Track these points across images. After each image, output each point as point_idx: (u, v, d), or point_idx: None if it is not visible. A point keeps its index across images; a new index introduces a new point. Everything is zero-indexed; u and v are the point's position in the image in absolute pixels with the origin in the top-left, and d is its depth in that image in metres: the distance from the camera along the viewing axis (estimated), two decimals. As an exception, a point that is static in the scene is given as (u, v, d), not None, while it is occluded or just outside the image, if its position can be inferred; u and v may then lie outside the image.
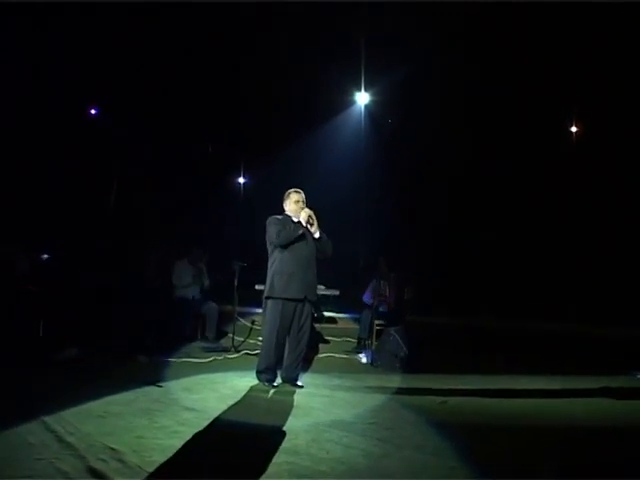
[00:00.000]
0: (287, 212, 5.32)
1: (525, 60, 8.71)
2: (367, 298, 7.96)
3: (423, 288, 9.19)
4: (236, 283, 7.15)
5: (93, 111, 10.59)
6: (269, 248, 5.20)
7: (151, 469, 2.99)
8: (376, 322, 7.38)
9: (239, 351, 6.87)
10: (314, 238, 5.22)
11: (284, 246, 5.08)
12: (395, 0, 7.57)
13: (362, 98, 10.30)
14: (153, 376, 5.12)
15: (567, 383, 5.81)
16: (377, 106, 10.31)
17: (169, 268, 7.77)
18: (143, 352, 6.01)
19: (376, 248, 9.43)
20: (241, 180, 14.05)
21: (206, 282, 7.82)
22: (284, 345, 5.13)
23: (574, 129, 11.08)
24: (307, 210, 5.18)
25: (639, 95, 8.99)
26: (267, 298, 5.11)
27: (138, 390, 4.60)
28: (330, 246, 5.32)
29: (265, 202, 6.56)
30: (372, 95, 10.16)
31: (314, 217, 5.18)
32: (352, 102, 10.43)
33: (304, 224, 5.14)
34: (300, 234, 5.09)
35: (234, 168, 13.29)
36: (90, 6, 7.23)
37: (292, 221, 5.19)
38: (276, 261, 5.11)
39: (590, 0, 7.18)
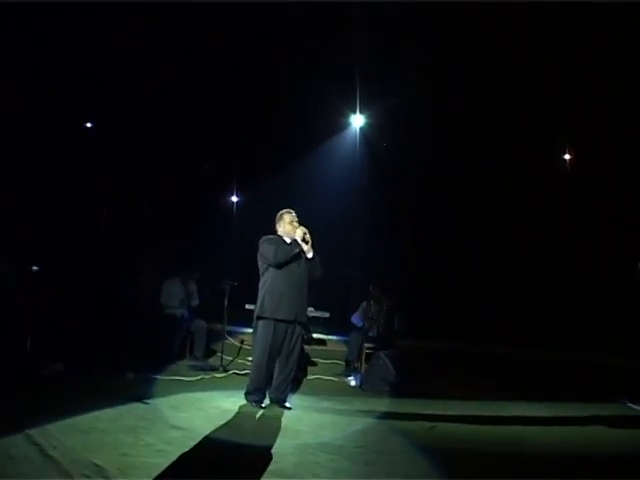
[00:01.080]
0: (280, 233, 5.32)
1: (519, 85, 8.77)
2: (356, 320, 7.95)
3: (414, 311, 9.18)
4: (226, 302, 7.13)
5: (89, 124, 10.59)
6: (261, 268, 5.19)
7: (136, 488, 2.97)
8: (366, 345, 7.37)
9: (227, 370, 6.83)
10: (307, 258, 5.22)
11: (280, 266, 5.07)
12: (391, 11, 7.59)
13: (357, 120, 10.32)
14: (139, 393, 5.07)
15: (558, 410, 5.80)
16: (372, 129, 10.35)
17: (159, 285, 7.76)
18: (130, 368, 5.96)
19: (368, 271, 9.42)
20: (234, 199, 14.06)
21: (195, 303, 7.82)
22: (274, 366, 5.11)
23: (567, 157, 11.14)
24: (303, 228, 5.20)
25: (633, 122, 9.07)
26: (258, 318, 5.08)
27: (124, 406, 4.56)
28: (320, 269, 5.32)
29: (257, 221, 6.59)
30: (367, 118, 10.19)
31: (309, 235, 5.20)
32: (347, 124, 10.48)
33: (299, 241, 5.15)
34: (297, 252, 5.11)
35: (227, 186, 13.29)
36: (90, 8, 7.24)
37: (285, 242, 5.20)
38: (268, 281, 5.10)
39: (585, 16, 7.27)
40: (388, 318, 7.93)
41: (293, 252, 5.09)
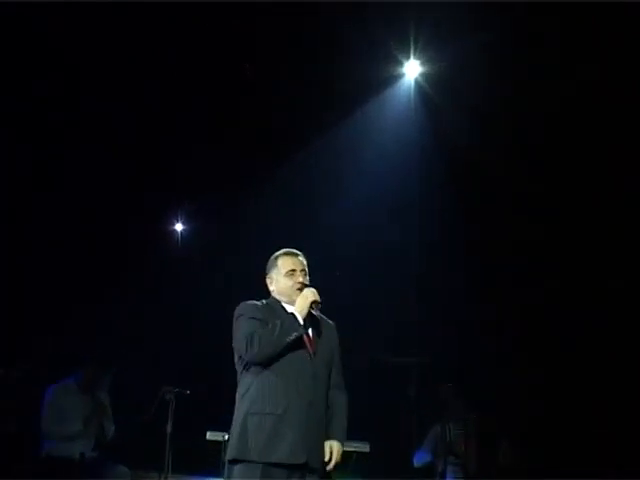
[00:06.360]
0: (274, 293, 5.15)
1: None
2: (421, 457, 8.26)
3: (527, 439, 9.12)
4: (169, 428, 7.19)
5: None
6: (238, 364, 4.98)
7: None
8: (443, 502, 7.81)
9: None
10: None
11: (266, 362, 4.83)
12: None
13: (411, 69, 10.58)
14: None
15: None
16: (438, 81, 10.58)
17: (36, 400, 7.90)
18: None
19: (438, 359, 9.23)
20: (178, 227, 14.05)
21: (109, 429, 7.95)
22: None
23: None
24: (312, 290, 4.97)
25: None
26: (234, 461, 4.80)
27: None
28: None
29: (230, 268, 6.41)
30: (427, 64, 10.40)
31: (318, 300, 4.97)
32: (395, 77, 10.73)
33: (302, 315, 4.87)
34: (299, 336, 4.85)
35: (164, 205, 13.17)
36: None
37: (284, 310, 5.00)
38: (251, 390, 4.85)
39: None
40: (483, 449, 8.22)
41: (289, 336, 4.82)
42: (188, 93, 10.80)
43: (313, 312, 4.95)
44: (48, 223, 11.28)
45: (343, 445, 5.07)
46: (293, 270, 5.08)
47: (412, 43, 9.91)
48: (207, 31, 9.94)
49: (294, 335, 4.80)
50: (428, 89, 10.84)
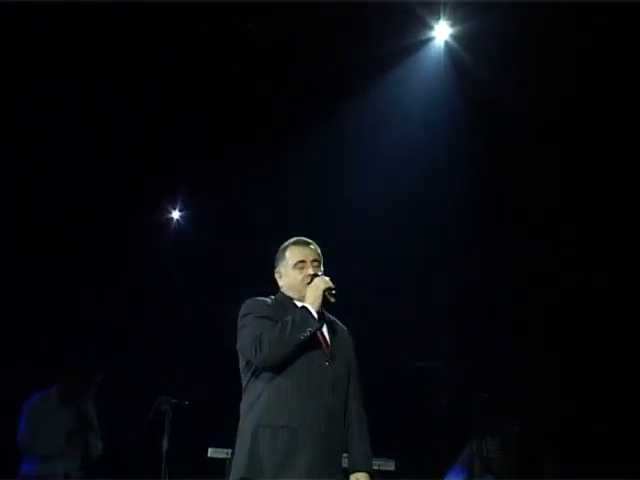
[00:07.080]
0: (284, 289, 4.93)
1: None
2: (454, 476, 8.34)
3: (574, 453, 8.96)
4: (165, 444, 7.21)
5: None
6: (245, 369, 4.74)
7: None
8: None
9: None
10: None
11: (278, 366, 4.59)
12: None
13: (441, 31, 10.62)
14: None
15: None
16: (470, 44, 10.62)
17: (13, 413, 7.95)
18: None
19: (472, 364, 9.27)
20: (175, 215, 14.06)
21: (96, 445, 7.93)
22: None
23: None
24: (323, 278, 4.73)
25: None
26: None
27: None
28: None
29: (234, 260, 6.15)
30: (459, 24, 10.47)
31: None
32: (424, 41, 10.77)
33: (315, 308, 4.60)
34: (314, 332, 4.60)
35: (158, 190, 13.10)
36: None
37: (295, 307, 4.76)
38: (262, 398, 4.60)
39: None
40: (523, 465, 8.19)
41: (304, 333, 4.56)
42: (188, 90, 10.98)
43: (329, 302, 4.67)
44: (47, 221, 11.36)
45: (372, 476, 4.80)
46: (303, 262, 4.87)
47: (441, 4, 9.92)
48: (207, 31, 10.18)
49: (308, 331, 4.58)
50: (459, 50, 10.88)
